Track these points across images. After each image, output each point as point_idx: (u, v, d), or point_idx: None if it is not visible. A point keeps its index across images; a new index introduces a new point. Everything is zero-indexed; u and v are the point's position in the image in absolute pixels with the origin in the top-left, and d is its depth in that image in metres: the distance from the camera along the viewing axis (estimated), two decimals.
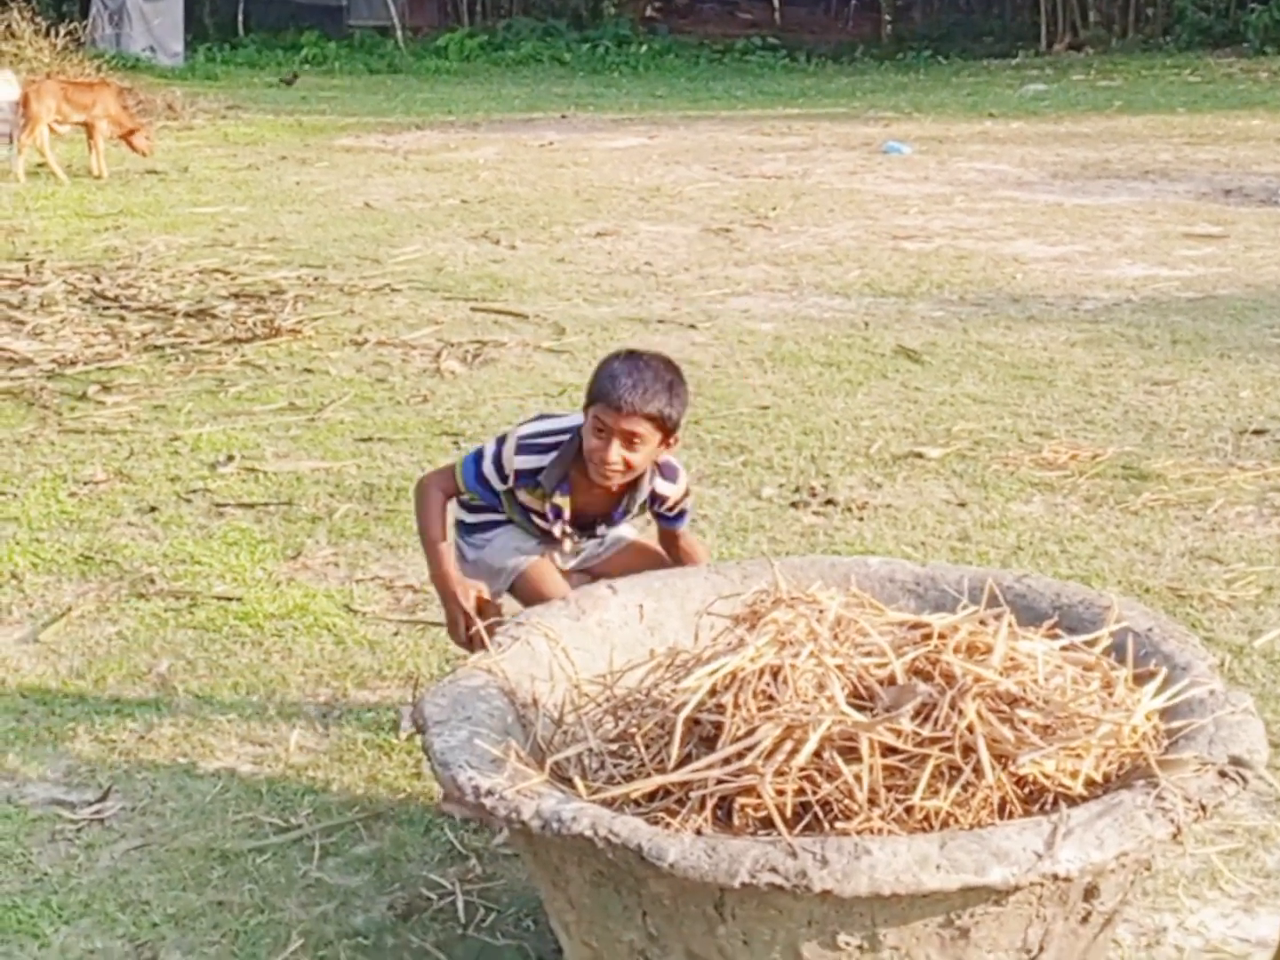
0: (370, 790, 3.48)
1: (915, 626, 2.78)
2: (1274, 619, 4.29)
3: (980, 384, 6.66)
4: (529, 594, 3.46)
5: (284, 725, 3.78)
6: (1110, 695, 2.62)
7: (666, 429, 3.28)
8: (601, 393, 3.24)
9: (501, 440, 3.42)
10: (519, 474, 3.40)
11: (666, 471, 3.45)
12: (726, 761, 2.44)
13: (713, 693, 2.57)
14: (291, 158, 14.07)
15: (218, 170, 13.31)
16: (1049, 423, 6.10)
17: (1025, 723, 2.51)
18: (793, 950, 2.32)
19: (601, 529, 3.54)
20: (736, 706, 2.51)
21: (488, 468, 3.42)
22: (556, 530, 3.47)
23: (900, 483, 5.48)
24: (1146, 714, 2.60)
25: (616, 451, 3.24)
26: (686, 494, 3.51)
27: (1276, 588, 4.50)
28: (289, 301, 8.15)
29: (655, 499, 3.45)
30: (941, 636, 2.71)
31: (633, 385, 3.22)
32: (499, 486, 3.43)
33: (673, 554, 3.57)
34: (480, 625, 3.02)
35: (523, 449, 3.37)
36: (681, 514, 3.52)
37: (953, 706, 2.51)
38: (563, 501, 3.40)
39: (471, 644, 3.15)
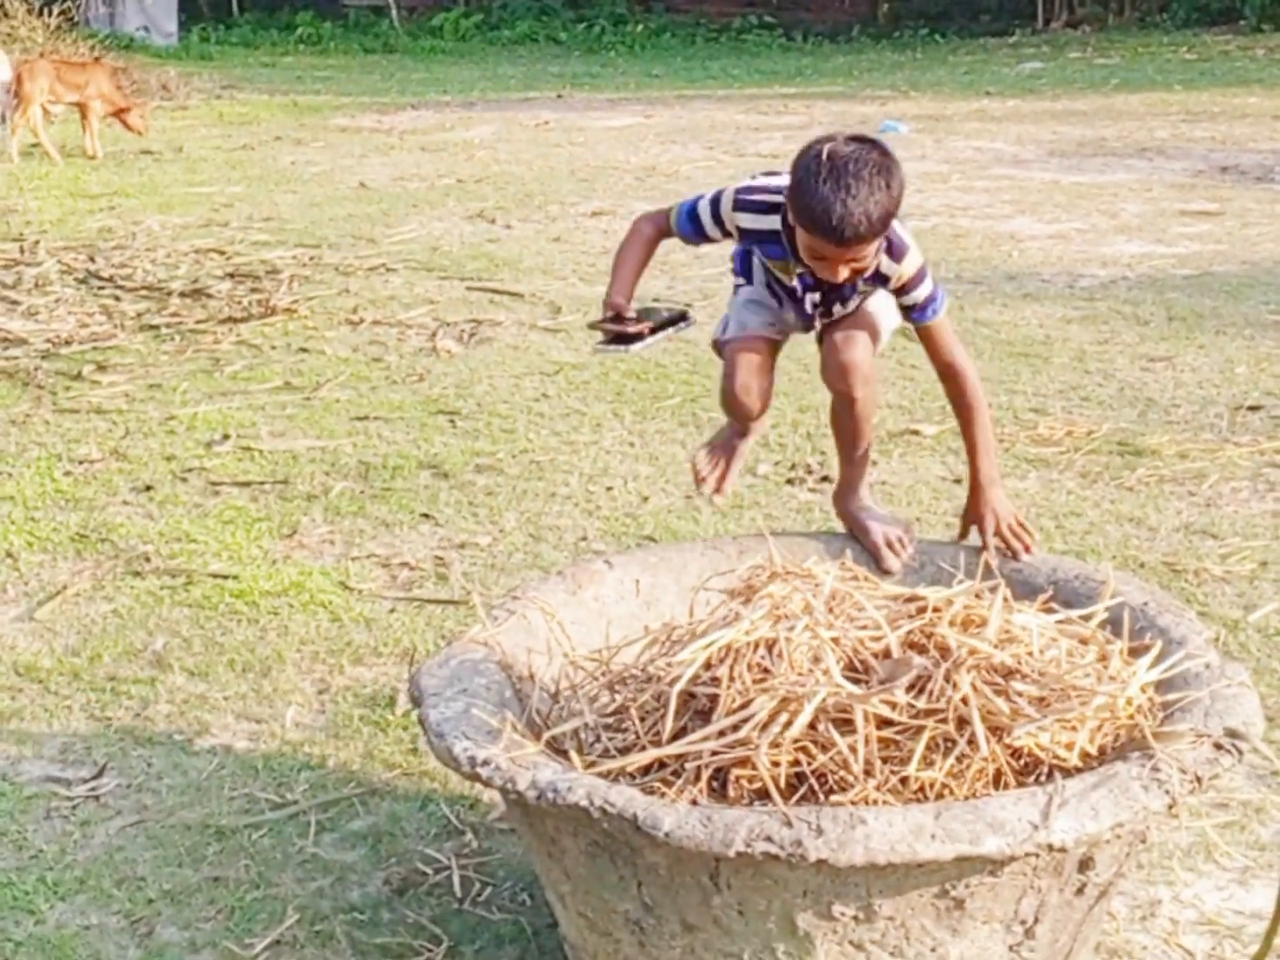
0: (366, 766, 3.48)
1: (910, 600, 2.78)
2: (1269, 593, 4.29)
3: (977, 361, 6.50)
4: (726, 370, 3.32)
5: (280, 702, 3.78)
6: (1105, 668, 2.63)
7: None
8: (813, 221, 2.87)
9: (719, 194, 3.16)
10: (743, 232, 3.14)
11: (894, 249, 3.09)
12: (721, 734, 2.45)
13: (707, 666, 2.57)
14: (286, 137, 14.03)
15: (213, 150, 13.27)
16: (1044, 399, 6.09)
17: (1020, 695, 2.52)
18: (788, 920, 2.32)
19: (837, 308, 3.27)
20: (731, 679, 2.51)
21: (703, 207, 3.18)
22: (808, 304, 3.23)
23: (896, 459, 5.47)
24: (1142, 686, 2.60)
25: (843, 272, 3.00)
26: (922, 276, 3.15)
27: (1271, 562, 4.51)
28: (284, 281, 8.13)
29: (879, 278, 3.12)
30: (936, 610, 2.71)
31: (848, 212, 2.83)
32: (714, 233, 3.17)
33: (936, 365, 3.32)
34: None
35: (741, 205, 3.09)
36: (924, 306, 3.19)
37: (947, 679, 2.51)
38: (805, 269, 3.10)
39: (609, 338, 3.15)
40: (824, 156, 2.85)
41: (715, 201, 3.17)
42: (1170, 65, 18.76)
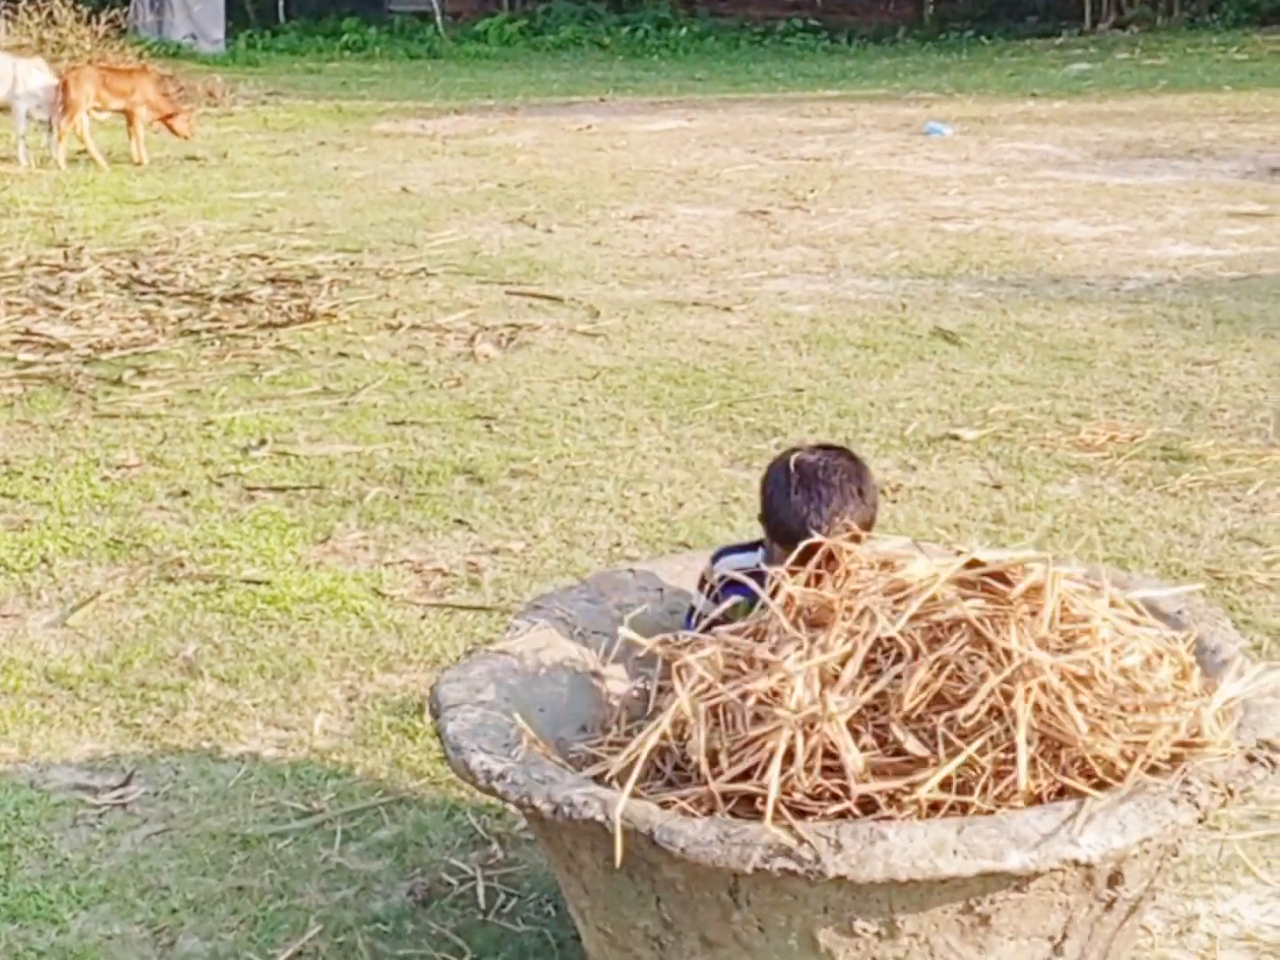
0: (393, 774, 3.46)
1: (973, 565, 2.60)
2: None
3: (1018, 365, 6.58)
4: None
5: (309, 709, 3.77)
6: (1184, 684, 2.50)
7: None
8: (790, 534, 2.72)
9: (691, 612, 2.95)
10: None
11: None
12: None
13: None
14: (330, 143, 14.07)
15: (257, 156, 13.32)
16: (1088, 404, 6.02)
17: (1085, 708, 2.38)
18: (809, 936, 2.28)
19: None
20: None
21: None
22: None
23: (935, 465, 5.42)
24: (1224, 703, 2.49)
25: None
26: None
27: None
28: (324, 286, 8.15)
29: None
30: (1007, 582, 2.55)
31: (823, 520, 2.70)
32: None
33: None
34: None
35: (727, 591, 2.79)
36: None
37: (1006, 697, 2.37)
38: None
39: None
40: (792, 468, 2.76)
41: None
42: (1219, 66, 18.55)
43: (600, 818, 2.30)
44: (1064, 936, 2.36)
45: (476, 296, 7.99)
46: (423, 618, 4.26)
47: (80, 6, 18.49)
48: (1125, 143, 12.85)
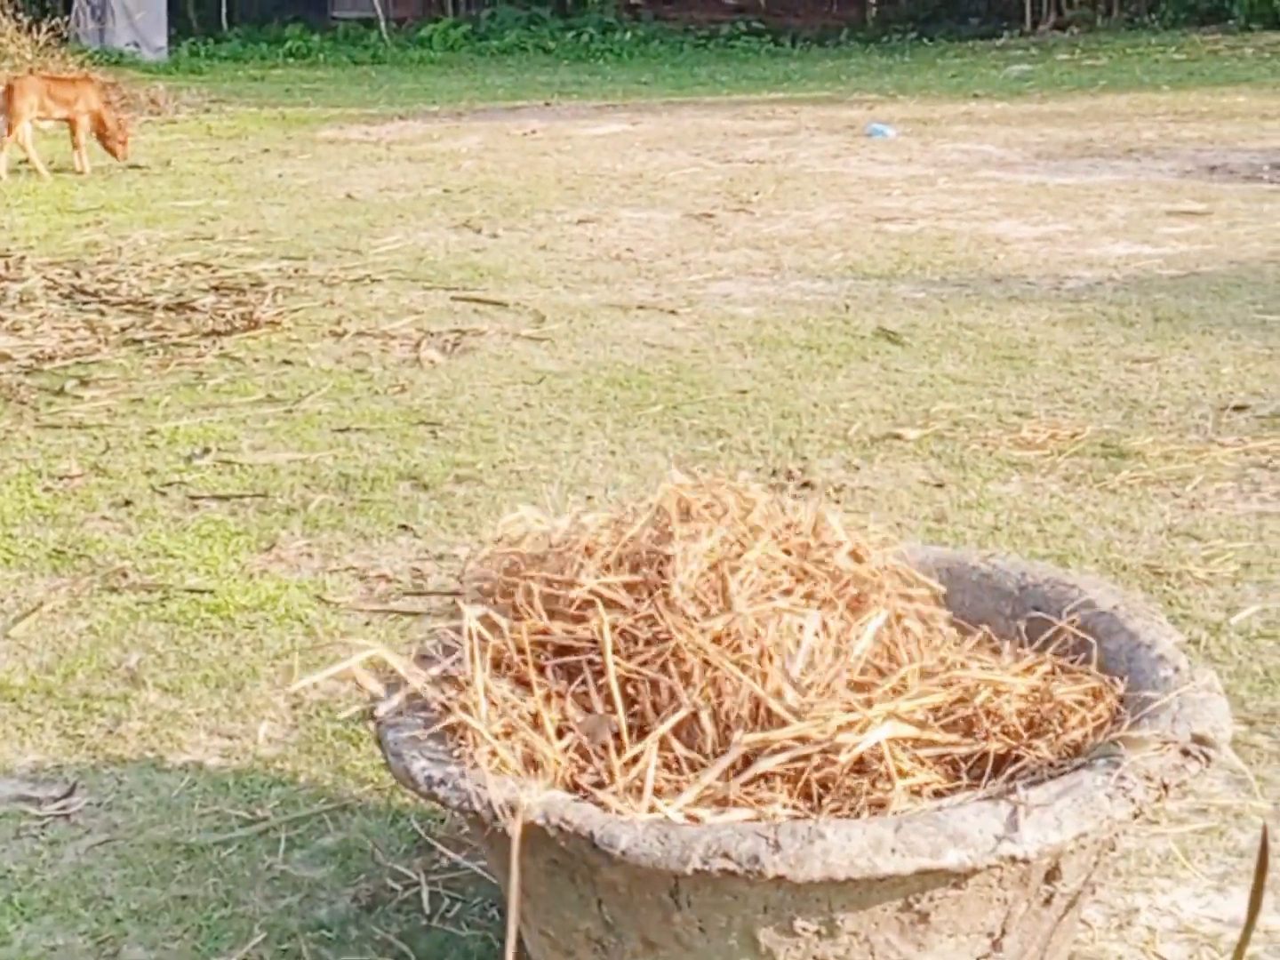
0: (338, 782, 3.45)
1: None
2: (1251, 595, 4.27)
3: (960, 364, 6.63)
4: None
5: (253, 718, 3.76)
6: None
7: None
8: None
9: None
10: None
11: None
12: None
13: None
14: (274, 150, 14.02)
15: (200, 164, 13.25)
16: (1029, 402, 6.07)
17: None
18: (749, 936, 2.30)
19: None
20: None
21: None
22: None
23: (878, 464, 5.45)
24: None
25: None
26: None
27: (1254, 564, 4.48)
28: (269, 293, 8.11)
29: None
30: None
31: None
32: None
33: None
34: None
35: None
36: None
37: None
38: None
39: None
40: None
41: None
42: (1158, 66, 18.76)
43: (540, 821, 2.30)
44: (1003, 932, 2.38)
45: (421, 302, 7.98)
46: (367, 624, 4.25)
47: (20, 16, 18.34)
48: (1065, 143, 12.97)
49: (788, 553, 2.72)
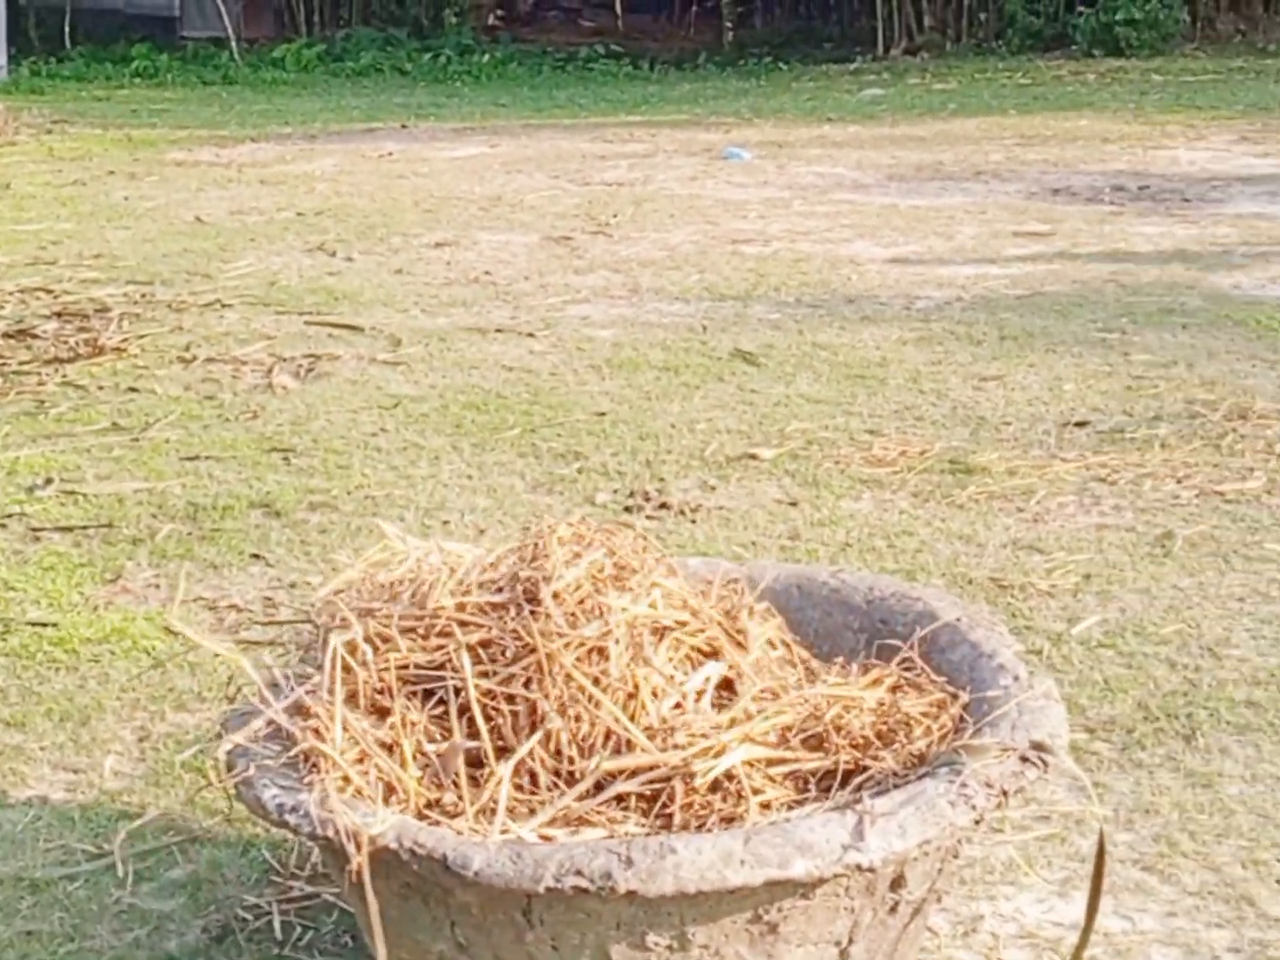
0: (186, 814, 3.40)
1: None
2: (1091, 606, 4.39)
3: (814, 384, 6.72)
4: None
5: (99, 751, 3.69)
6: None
7: None
8: None
9: None
10: None
11: None
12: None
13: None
14: (120, 172, 13.75)
15: (42, 186, 12.95)
16: (880, 420, 6.18)
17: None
18: (602, 953, 2.31)
19: None
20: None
21: None
22: None
23: (734, 484, 5.51)
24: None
25: None
26: None
27: (1095, 575, 4.61)
28: (114, 319, 7.96)
29: None
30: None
31: None
32: None
33: None
34: None
35: None
36: None
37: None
38: None
39: None
40: None
41: None
42: (1005, 90, 19.18)
43: (394, 845, 2.30)
44: (850, 941, 2.42)
45: (274, 327, 7.89)
46: (216, 655, 4.18)
47: None
48: (916, 165, 13.21)
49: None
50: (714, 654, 2.68)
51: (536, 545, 2.74)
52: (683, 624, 2.67)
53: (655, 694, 2.53)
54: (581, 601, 2.62)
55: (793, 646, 2.89)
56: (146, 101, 20.49)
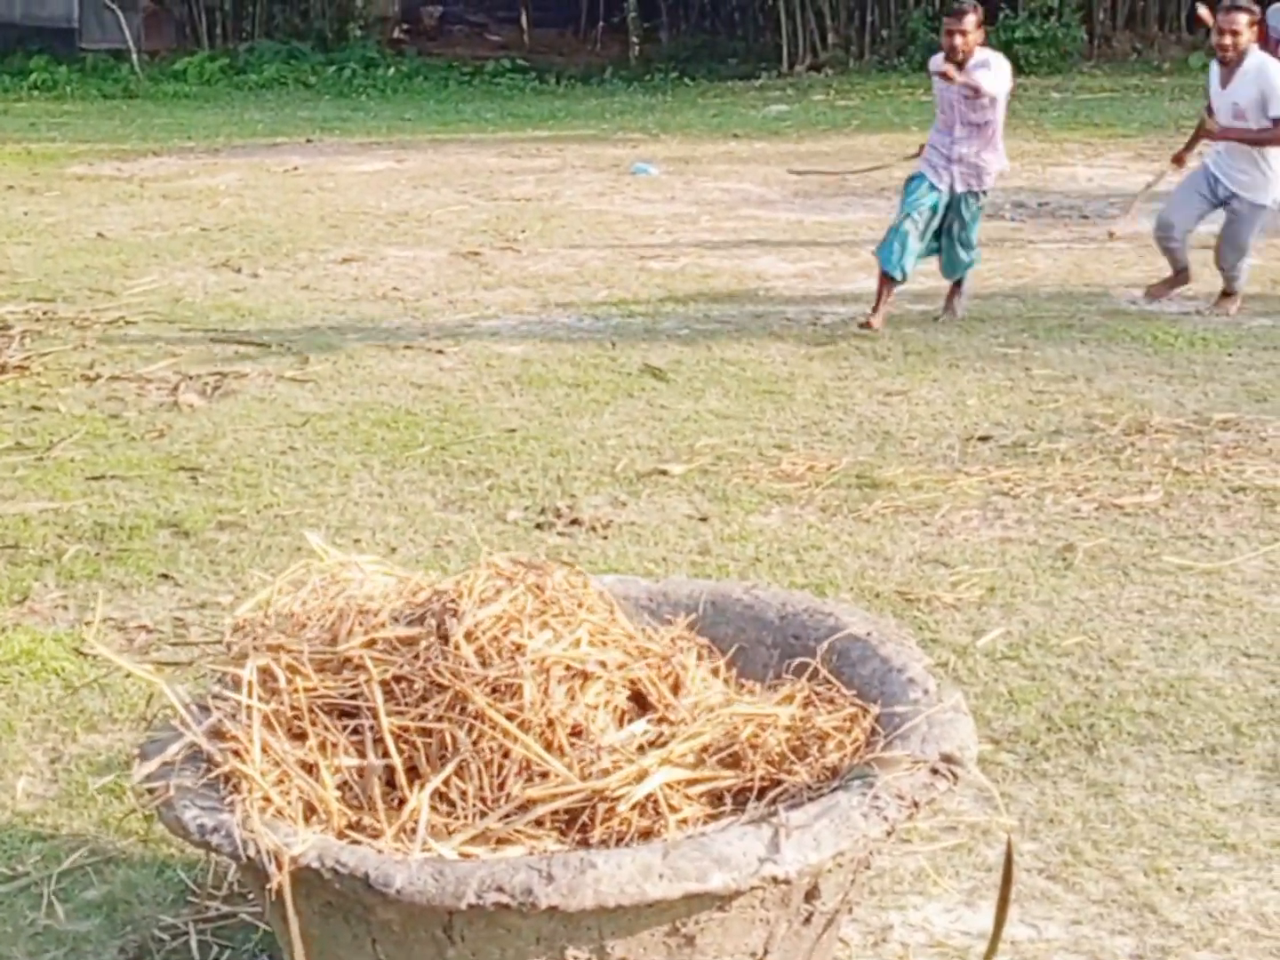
0: (100, 834, 3.39)
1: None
2: (996, 618, 4.48)
3: (723, 399, 6.79)
4: None
5: (10, 773, 3.66)
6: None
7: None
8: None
9: None
10: None
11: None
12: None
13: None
14: (19, 187, 13.56)
15: None
16: (788, 435, 6.25)
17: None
18: None
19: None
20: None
21: None
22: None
23: (644, 500, 5.55)
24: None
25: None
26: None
27: (998, 588, 4.70)
28: (15, 337, 7.85)
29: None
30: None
31: None
32: None
33: None
34: None
35: None
36: None
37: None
38: None
39: None
40: None
41: None
42: (908, 107, 19.43)
43: (316, 864, 2.31)
44: (765, 952, 2.47)
45: (179, 344, 7.82)
46: (127, 676, 4.15)
47: None
48: (821, 181, 13.35)
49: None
50: (638, 695, 2.72)
51: (459, 581, 2.77)
52: (605, 664, 2.70)
53: (575, 731, 2.57)
54: (495, 639, 2.65)
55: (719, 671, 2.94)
56: (45, 115, 20.21)
